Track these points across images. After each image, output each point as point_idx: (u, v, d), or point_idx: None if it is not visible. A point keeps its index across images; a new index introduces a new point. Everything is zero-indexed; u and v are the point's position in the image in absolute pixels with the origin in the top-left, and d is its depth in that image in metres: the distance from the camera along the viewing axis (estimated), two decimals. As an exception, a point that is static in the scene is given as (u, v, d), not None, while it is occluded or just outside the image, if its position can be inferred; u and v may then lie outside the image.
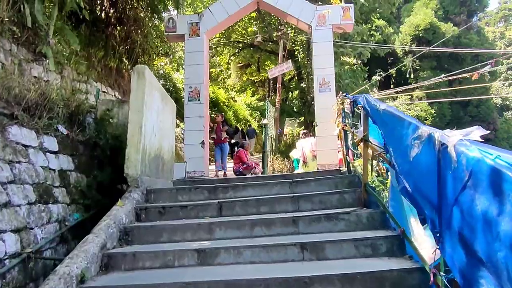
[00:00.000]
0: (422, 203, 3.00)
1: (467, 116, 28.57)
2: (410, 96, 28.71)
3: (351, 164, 6.61)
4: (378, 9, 23.28)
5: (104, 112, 7.00)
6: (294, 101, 29.85)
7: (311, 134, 12.18)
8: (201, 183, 7.12)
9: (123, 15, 14.10)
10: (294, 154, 11.51)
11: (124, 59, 14.88)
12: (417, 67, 29.34)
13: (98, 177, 6.06)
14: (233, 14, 9.69)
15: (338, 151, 8.93)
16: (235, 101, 30.05)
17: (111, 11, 13.99)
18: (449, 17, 29.13)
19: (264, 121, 13.45)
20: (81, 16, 12.22)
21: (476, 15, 30.49)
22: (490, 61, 9.13)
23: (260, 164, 13.35)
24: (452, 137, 2.44)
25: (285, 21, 18.65)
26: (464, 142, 2.34)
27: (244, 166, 11.92)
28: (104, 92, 11.82)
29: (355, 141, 5.90)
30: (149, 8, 14.22)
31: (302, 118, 27.36)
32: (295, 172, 11.20)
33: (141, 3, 13.23)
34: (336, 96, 8.52)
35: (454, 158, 2.35)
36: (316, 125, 9.15)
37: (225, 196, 6.14)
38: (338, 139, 8.60)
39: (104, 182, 6.06)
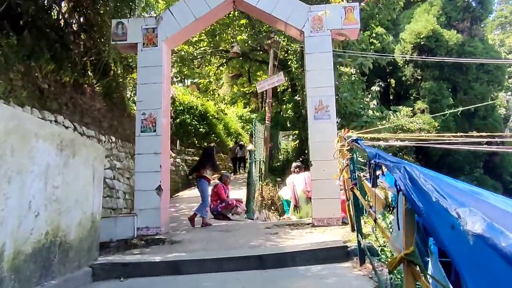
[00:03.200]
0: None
1: (472, 129, 26.12)
2: (412, 108, 26.33)
3: (363, 239, 4.14)
4: (377, 15, 20.88)
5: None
6: (288, 112, 27.41)
7: (309, 165, 9.72)
8: (136, 269, 4.59)
9: (87, 21, 11.63)
10: (283, 193, 8.97)
11: (89, 72, 12.47)
12: (419, 77, 26.93)
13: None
14: (202, 16, 7.21)
15: (341, 194, 6.48)
16: (226, 114, 27.55)
17: (74, 16, 11.57)
18: (452, 24, 26.77)
19: (249, 147, 10.99)
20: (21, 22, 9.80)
21: (480, 21, 28.16)
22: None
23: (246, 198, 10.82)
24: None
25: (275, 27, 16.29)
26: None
27: (223, 204, 9.39)
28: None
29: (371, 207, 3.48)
30: (119, 13, 11.77)
31: (296, 132, 24.89)
32: (285, 217, 8.69)
33: (107, 8, 10.72)
34: (339, 126, 6.07)
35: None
36: (311, 165, 6.65)
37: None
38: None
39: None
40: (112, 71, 12.89)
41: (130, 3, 7.42)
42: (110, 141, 11.14)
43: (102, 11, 9.57)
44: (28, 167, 3.24)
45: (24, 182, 3.18)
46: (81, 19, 11.58)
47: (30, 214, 3.29)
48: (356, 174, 4.12)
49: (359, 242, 3.93)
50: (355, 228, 4.48)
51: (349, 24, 6.89)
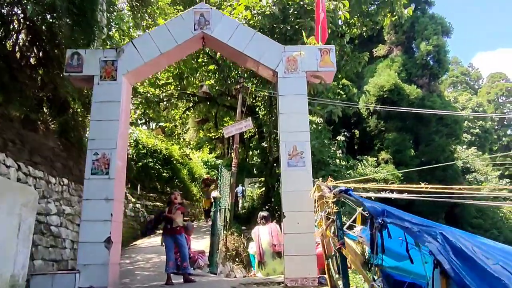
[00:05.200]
0: None
1: (434, 180, 26.38)
2: (376, 158, 26.42)
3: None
4: (344, 67, 21.13)
5: None
6: (254, 158, 26.78)
7: (277, 216, 8.87)
8: None
9: (45, 54, 10.76)
10: (250, 248, 8.01)
11: (44, 108, 11.47)
12: (382, 128, 27.34)
13: None
14: (169, 52, 6.58)
15: (317, 246, 5.70)
16: (190, 158, 26.56)
17: (32, 50, 10.71)
18: (412, 80, 27.77)
19: (214, 194, 10.13)
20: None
21: (437, 78, 29.41)
22: None
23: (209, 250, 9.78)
24: None
25: (244, 69, 15.95)
26: None
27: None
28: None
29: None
30: (77, 45, 10.97)
31: (262, 179, 24.14)
32: (252, 274, 7.74)
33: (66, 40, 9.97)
34: (315, 175, 5.42)
35: None
36: (284, 216, 5.89)
37: None
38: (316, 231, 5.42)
39: None
40: (71, 109, 11.94)
41: (91, 34, 6.67)
42: (62, 183, 9.97)
43: (62, 44, 8.75)
44: None
45: None
46: (40, 53, 10.75)
47: None
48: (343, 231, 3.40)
49: None
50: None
51: (325, 66, 6.45)
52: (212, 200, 10.17)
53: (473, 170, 33.85)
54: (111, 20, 6.98)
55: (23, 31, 10.19)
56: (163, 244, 7.11)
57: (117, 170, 5.99)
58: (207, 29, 6.55)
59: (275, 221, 8.42)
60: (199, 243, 12.47)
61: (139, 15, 9.69)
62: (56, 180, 9.89)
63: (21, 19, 9.78)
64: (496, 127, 53.57)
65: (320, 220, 4.64)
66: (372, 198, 3.47)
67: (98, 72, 6.28)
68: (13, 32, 10.21)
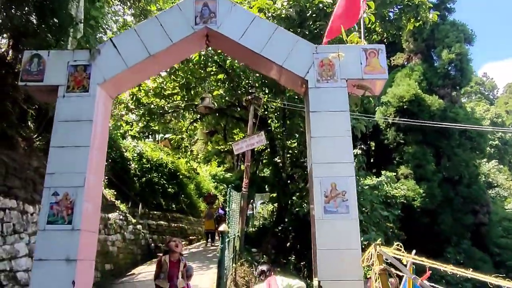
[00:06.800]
0: None
1: (458, 197, 24.24)
2: (395, 173, 24.35)
3: None
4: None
5: None
6: (265, 171, 24.90)
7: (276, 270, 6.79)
8: None
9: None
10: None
11: (29, 122, 9.90)
12: (401, 141, 25.29)
13: None
14: (160, 53, 4.81)
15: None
16: (198, 173, 24.85)
17: (17, 57, 9.10)
18: (433, 90, 25.75)
19: (222, 228, 8.23)
20: None
21: (460, 88, 27.38)
22: None
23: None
24: None
25: (256, 77, 14.17)
26: None
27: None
28: None
29: None
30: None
31: (274, 195, 22.22)
32: None
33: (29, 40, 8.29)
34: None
35: None
36: (320, 287, 4.04)
37: None
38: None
39: None
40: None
41: (59, 32, 4.90)
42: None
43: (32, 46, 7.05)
44: None
45: None
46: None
47: None
48: None
49: None
50: None
51: (373, 72, 4.63)
52: (219, 234, 8.32)
53: (495, 184, 31.57)
54: (92, 15, 5.23)
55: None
56: None
57: (86, 217, 4.20)
58: (212, 23, 4.78)
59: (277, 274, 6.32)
60: (203, 277, 10.64)
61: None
62: (35, 208, 8.18)
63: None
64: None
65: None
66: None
67: (64, 81, 4.54)
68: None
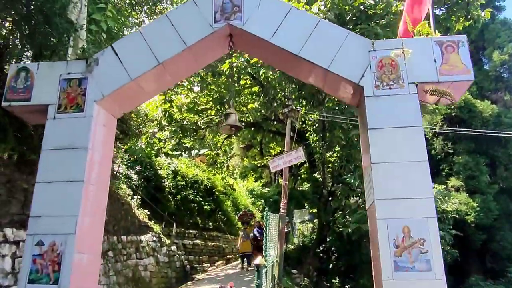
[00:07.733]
0: None
1: (517, 210, 21.88)
2: (444, 186, 22.28)
3: None
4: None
5: None
6: (304, 184, 23.53)
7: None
8: None
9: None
10: None
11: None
12: (450, 150, 23.20)
13: None
14: (173, 59, 3.81)
15: None
16: (234, 189, 23.87)
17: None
18: (485, 94, 23.61)
19: (257, 261, 7.09)
20: None
21: (514, 91, 24.99)
22: None
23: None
24: None
25: (292, 89, 13.06)
26: None
27: None
28: None
29: None
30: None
31: (315, 211, 20.80)
32: None
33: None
34: None
35: None
36: None
37: None
38: None
39: None
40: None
41: (56, 40, 4.02)
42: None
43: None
44: None
45: None
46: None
47: None
48: None
49: None
50: None
51: (452, 73, 3.37)
52: (255, 268, 7.15)
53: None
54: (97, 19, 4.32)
55: None
56: None
57: (78, 274, 3.19)
58: (236, 19, 3.72)
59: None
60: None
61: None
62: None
63: None
64: None
65: None
66: None
67: (55, 99, 3.61)
68: None
